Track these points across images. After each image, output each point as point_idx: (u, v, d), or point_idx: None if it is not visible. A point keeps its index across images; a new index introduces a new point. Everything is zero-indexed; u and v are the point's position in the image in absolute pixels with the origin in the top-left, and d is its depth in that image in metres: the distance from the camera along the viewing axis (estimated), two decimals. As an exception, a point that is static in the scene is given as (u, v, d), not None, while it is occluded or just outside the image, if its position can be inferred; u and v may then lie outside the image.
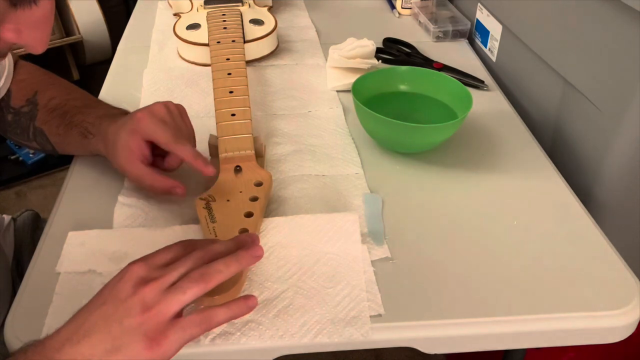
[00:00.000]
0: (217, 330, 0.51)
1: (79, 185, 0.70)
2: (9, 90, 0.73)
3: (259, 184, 0.64)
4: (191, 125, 0.68)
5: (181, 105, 0.68)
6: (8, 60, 0.72)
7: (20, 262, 0.78)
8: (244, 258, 0.50)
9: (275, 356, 0.52)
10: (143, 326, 0.44)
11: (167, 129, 0.63)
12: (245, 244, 0.52)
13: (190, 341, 0.47)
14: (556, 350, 0.81)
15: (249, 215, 0.60)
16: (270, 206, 0.65)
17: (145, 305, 0.44)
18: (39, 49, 0.51)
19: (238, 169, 0.67)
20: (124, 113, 0.70)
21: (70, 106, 0.70)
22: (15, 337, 0.51)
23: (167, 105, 0.66)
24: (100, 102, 0.74)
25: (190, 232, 0.62)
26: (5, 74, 0.72)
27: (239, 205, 0.61)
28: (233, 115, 0.72)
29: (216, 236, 0.57)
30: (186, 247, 0.51)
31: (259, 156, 0.69)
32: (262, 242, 0.55)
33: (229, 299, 0.51)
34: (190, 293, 0.46)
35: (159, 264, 0.48)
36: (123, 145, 0.63)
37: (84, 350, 0.43)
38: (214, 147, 0.70)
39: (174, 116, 0.66)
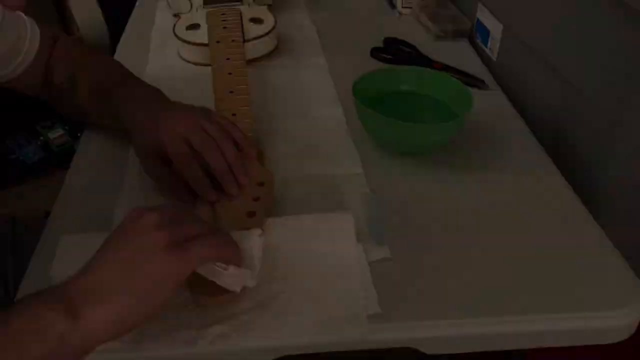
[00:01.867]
0: (215, 331, 0.51)
1: (79, 185, 0.70)
2: (50, 66, 0.74)
3: (260, 184, 0.64)
4: (242, 137, 0.66)
5: (226, 122, 0.66)
6: (30, 25, 0.72)
7: (21, 261, 0.78)
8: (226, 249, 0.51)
9: (273, 357, 0.52)
10: (165, 243, 0.44)
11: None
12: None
13: (209, 260, 0.47)
14: (556, 350, 0.81)
15: (251, 214, 0.60)
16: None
17: (172, 242, 0.45)
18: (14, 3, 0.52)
19: (238, 169, 0.66)
20: (152, 93, 0.70)
21: (108, 83, 0.71)
22: (14, 337, 0.51)
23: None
24: (135, 80, 0.73)
25: (190, 232, 0.61)
26: (27, 46, 0.71)
27: (241, 204, 0.61)
28: (233, 115, 0.72)
29: None
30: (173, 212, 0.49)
31: (260, 156, 0.69)
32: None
33: (230, 299, 0.51)
34: (210, 247, 0.47)
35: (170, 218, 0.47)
36: (149, 148, 0.64)
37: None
38: (214, 147, 0.70)
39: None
